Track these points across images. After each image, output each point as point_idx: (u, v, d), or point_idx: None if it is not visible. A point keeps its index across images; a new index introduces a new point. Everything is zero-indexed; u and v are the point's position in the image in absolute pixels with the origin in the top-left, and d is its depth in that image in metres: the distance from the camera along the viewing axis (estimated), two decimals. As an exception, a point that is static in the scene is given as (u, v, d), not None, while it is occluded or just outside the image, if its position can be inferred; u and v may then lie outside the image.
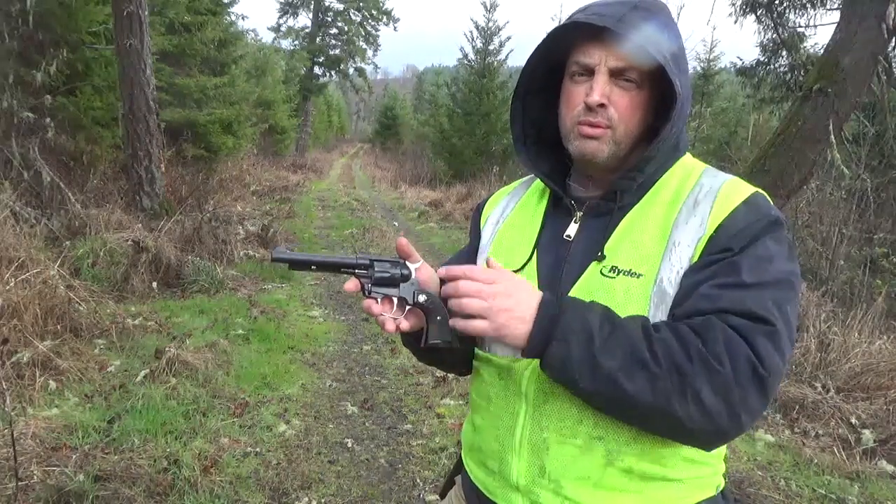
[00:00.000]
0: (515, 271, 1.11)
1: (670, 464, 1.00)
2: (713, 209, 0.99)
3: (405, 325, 1.05)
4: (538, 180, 1.23)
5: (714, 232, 0.96)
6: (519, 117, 1.17)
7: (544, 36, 1.07)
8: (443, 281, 0.99)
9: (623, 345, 0.90)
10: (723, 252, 0.95)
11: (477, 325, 0.93)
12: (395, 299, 1.03)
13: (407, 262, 1.05)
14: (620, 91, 1.02)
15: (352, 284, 1.03)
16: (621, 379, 0.89)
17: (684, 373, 0.87)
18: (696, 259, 0.97)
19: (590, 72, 1.02)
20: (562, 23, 1.05)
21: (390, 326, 1.03)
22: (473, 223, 1.30)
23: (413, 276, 1.04)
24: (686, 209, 1.01)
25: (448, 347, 1.06)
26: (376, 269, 1.02)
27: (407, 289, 1.03)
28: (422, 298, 1.03)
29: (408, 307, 1.04)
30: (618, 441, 0.99)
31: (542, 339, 0.92)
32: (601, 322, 0.92)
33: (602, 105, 1.01)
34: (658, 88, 1.04)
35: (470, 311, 0.92)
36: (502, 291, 0.93)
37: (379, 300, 1.03)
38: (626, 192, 1.06)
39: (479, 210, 1.30)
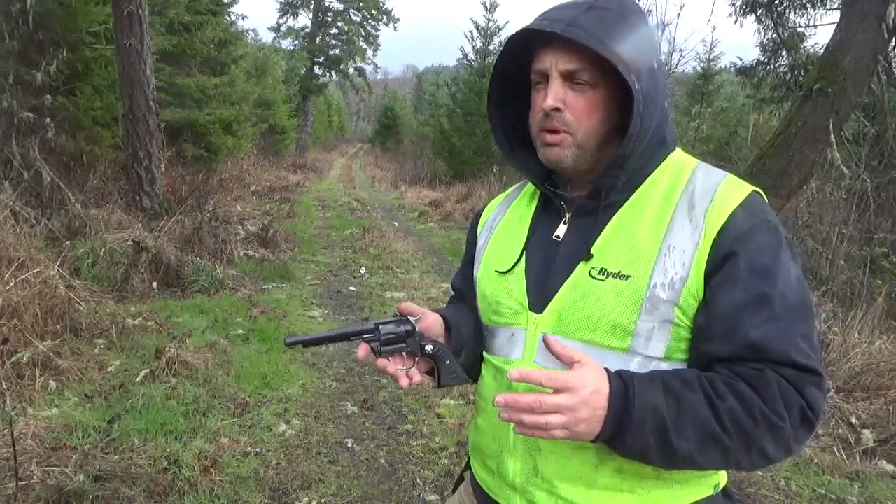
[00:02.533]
0: (504, 273, 1.12)
1: None
2: (709, 212, 0.97)
3: (417, 378, 1.09)
4: (529, 185, 1.24)
5: (717, 236, 0.95)
6: (499, 123, 1.17)
7: (503, 45, 1.08)
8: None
9: (694, 423, 0.91)
10: (730, 257, 0.94)
11: (556, 435, 0.89)
12: (404, 353, 1.10)
13: (409, 318, 1.11)
14: (576, 94, 1.01)
15: (363, 351, 1.07)
16: (696, 456, 0.92)
17: (751, 435, 0.91)
18: (700, 269, 0.95)
19: (546, 78, 1.02)
20: (515, 32, 1.05)
21: (404, 382, 1.07)
22: (471, 232, 1.31)
23: (417, 329, 1.11)
24: (681, 211, 1.00)
25: (461, 384, 1.15)
26: (382, 331, 1.08)
27: (413, 342, 1.10)
28: (429, 348, 1.10)
29: (417, 358, 1.11)
30: None
31: (618, 433, 0.91)
32: (667, 401, 0.91)
33: (557, 109, 1.01)
34: (621, 85, 1.01)
35: (550, 430, 0.88)
36: (579, 402, 0.88)
37: (390, 358, 1.08)
38: (610, 190, 1.05)
39: (476, 219, 1.31)
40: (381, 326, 1.08)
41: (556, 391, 0.87)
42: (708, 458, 0.92)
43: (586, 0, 1.01)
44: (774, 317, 0.93)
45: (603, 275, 1.00)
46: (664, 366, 0.98)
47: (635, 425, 0.90)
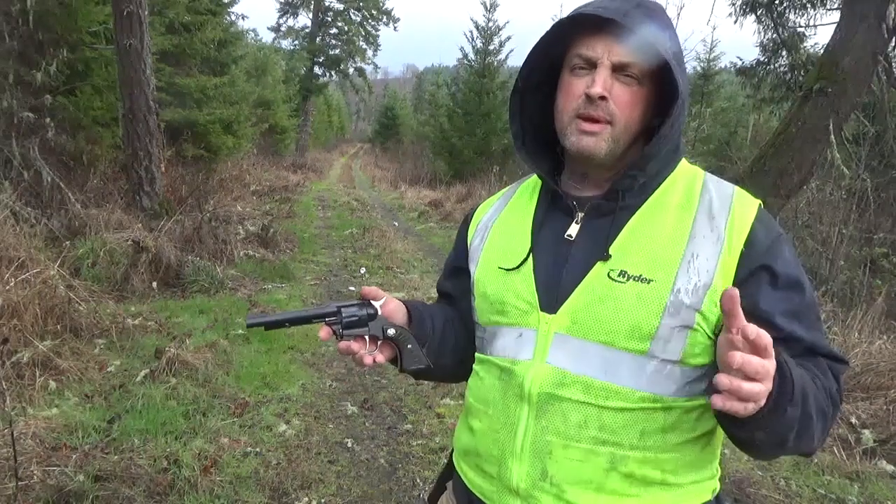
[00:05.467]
0: (509, 270, 1.10)
1: (671, 468, 1.00)
2: (730, 225, 1.00)
3: (381, 357, 1.10)
4: (525, 183, 1.23)
5: (745, 248, 0.98)
6: (517, 113, 1.16)
7: (548, 28, 1.05)
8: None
9: (814, 395, 0.92)
10: (763, 270, 0.99)
11: (749, 408, 0.81)
12: (366, 337, 1.10)
13: (372, 302, 1.11)
14: (622, 86, 1.01)
15: (324, 332, 1.08)
16: (815, 430, 0.93)
17: (829, 414, 0.96)
18: (729, 277, 0.98)
19: (591, 65, 1.01)
20: (566, 16, 1.04)
21: (368, 360, 1.08)
22: (460, 237, 1.28)
23: (379, 313, 1.11)
24: (701, 220, 1.01)
25: (424, 370, 1.15)
26: (344, 314, 1.08)
27: (376, 326, 1.10)
28: (391, 332, 1.11)
29: (380, 341, 1.11)
30: (621, 446, 0.98)
31: (778, 405, 0.85)
32: (802, 373, 0.91)
33: (603, 98, 1.00)
34: (657, 86, 1.03)
35: (750, 397, 0.80)
36: (772, 368, 0.81)
37: (352, 341, 1.08)
38: (628, 191, 1.05)
39: (466, 222, 1.28)
40: (342, 309, 1.08)
41: (761, 354, 0.79)
42: (817, 431, 0.94)
43: None
44: (813, 321, 1.01)
45: (623, 277, 0.99)
46: (678, 369, 0.99)
47: (796, 395, 0.86)
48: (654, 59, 0.99)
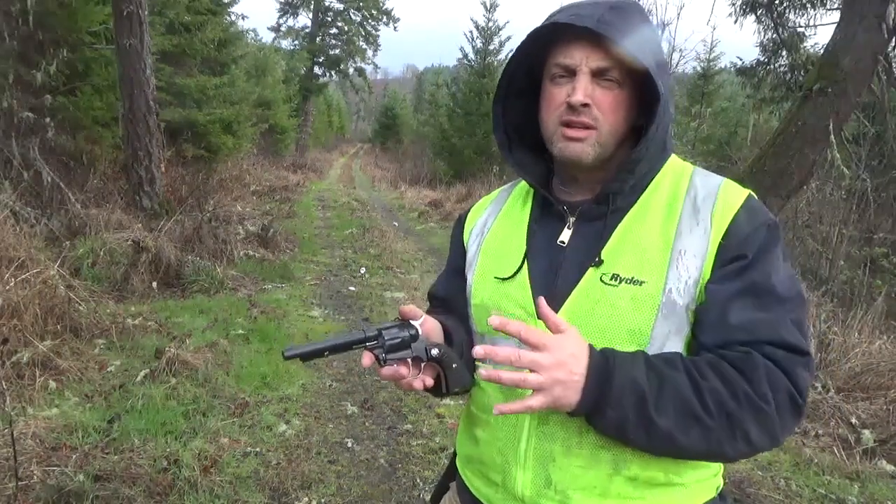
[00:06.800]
0: (505, 279, 1.09)
1: (674, 469, 1.00)
2: (714, 215, 0.99)
3: (430, 381, 1.04)
4: (518, 186, 1.22)
5: (723, 239, 0.97)
6: (500, 122, 1.15)
7: (523, 38, 1.05)
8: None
9: (675, 400, 0.90)
10: (736, 260, 0.96)
11: (532, 404, 0.88)
12: (409, 360, 1.04)
13: (411, 322, 1.05)
14: (603, 91, 1.01)
15: (367, 359, 0.99)
16: (676, 435, 0.90)
17: (734, 417, 0.90)
18: (708, 269, 0.97)
19: (571, 73, 1.01)
20: (540, 24, 1.03)
21: (418, 385, 1.02)
22: (456, 240, 1.27)
23: (420, 333, 1.05)
24: (687, 215, 1.00)
25: (466, 389, 1.11)
26: (386, 337, 1.01)
27: (419, 347, 1.04)
28: (434, 352, 1.05)
29: (423, 363, 1.05)
30: (623, 449, 0.98)
31: (596, 406, 0.90)
32: (648, 377, 0.90)
33: (586, 105, 1.00)
34: (639, 88, 1.03)
35: (513, 383, 0.87)
36: (555, 362, 0.87)
37: (395, 365, 1.02)
38: (618, 195, 1.05)
39: (460, 225, 1.27)
40: (384, 332, 1.01)
41: (534, 348, 0.87)
42: (689, 438, 0.90)
43: (606, 0, 1.01)
44: (765, 304, 0.94)
45: (616, 280, 0.99)
46: None
47: (615, 396, 0.89)
48: (632, 62, 0.98)
